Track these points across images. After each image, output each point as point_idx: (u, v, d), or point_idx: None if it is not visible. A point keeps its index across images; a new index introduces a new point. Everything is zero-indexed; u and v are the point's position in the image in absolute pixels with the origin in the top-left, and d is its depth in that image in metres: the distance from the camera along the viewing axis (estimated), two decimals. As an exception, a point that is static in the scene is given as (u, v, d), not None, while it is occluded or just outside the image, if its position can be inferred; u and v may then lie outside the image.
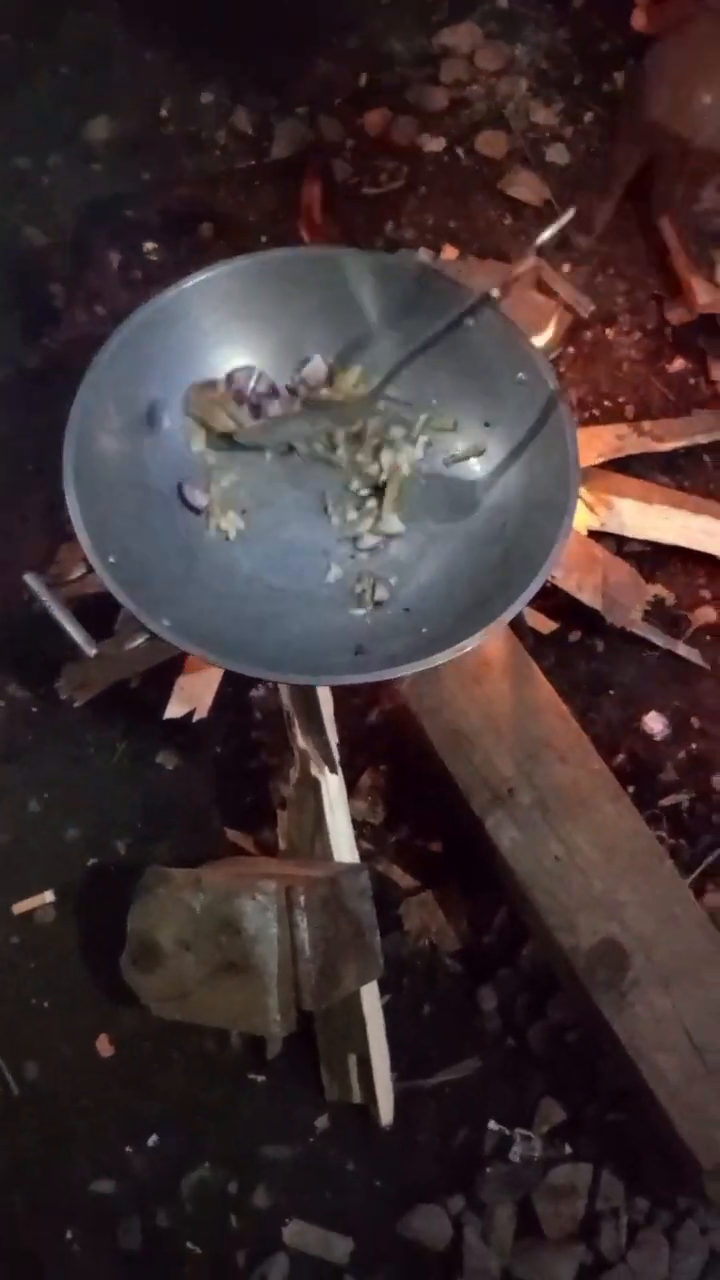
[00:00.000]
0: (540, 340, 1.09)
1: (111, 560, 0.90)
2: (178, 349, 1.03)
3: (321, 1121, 0.99)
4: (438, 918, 1.05)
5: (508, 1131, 0.98)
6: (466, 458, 1.06)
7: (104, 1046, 1.02)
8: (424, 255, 1.27)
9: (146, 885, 0.96)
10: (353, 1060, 0.97)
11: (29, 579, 0.87)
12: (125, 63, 1.49)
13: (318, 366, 1.06)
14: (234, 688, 1.08)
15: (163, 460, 1.03)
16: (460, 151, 1.38)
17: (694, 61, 1.05)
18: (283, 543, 1.04)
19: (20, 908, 1.06)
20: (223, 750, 1.11)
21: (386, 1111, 0.97)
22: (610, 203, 0.89)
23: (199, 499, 1.03)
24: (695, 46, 1.06)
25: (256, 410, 1.05)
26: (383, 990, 0.99)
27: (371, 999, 0.97)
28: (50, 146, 1.42)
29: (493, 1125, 0.98)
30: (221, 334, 1.05)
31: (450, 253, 1.29)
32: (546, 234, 0.92)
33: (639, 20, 1.41)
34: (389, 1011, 0.99)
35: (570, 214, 0.96)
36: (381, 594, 1.01)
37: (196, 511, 1.03)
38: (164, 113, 1.44)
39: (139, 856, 1.07)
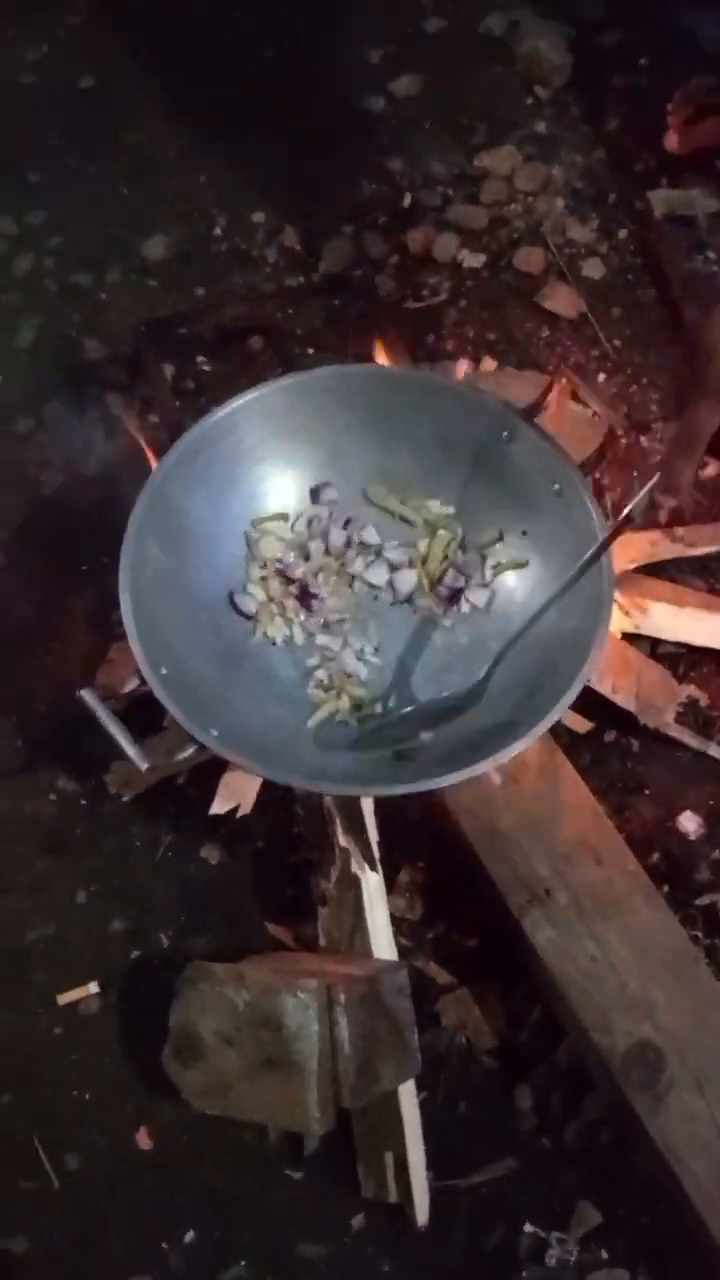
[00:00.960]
0: (577, 453, 1.13)
1: (164, 672, 0.94)
2: (227, 463, 1.07)
3: (357, 1220, 1.00)
4: (474, 1014, 1.06)
5: (543, 1234, 0.98)
6: (510, 568, 1.09)
7: (143, 1139, 1.04)
8: (465, 366, 1.33)
9: (190, 980, 0.98)
10: (389, 1159, 0.98)
11: (85, 695, 0.91)
12: (179, 180, 1.57)
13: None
14: (277, 786, 1.11)
15: (212, 568, 1.07)
16: (499, 267, 1.44)
17: None
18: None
19: (65, 998, 1.09)
20: (265, 845, 1.14)
21: (422, 1211, 0.98)
22: (693, 464, 0.88)
23: (249, 605, 1.07)
24: None
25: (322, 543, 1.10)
26: (419, 1087, 1.00)
27: (409, 1097, 0.98)
28: (108, 262, 1.50)
29: (528, 1228, 0.98)
30: (266, 449, 1.09)
31: (489, 364, 1.35)
32: (635, 500, 0.93)
33: (671, 142, 1.48)
34: (425, 1108, 1.00)
35: (655, 479, 0.97)
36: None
37: (246, 617, 1.07)
38: (217, 230, 1.52)
39: (181, 949, 1.10)
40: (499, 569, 1.09)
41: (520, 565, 1.08)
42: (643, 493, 0.93)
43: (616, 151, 1.53)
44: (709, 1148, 0.91)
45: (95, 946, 1.11)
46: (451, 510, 1.11)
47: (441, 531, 1.10)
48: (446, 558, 1.10)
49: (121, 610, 0.96)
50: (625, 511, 0.92)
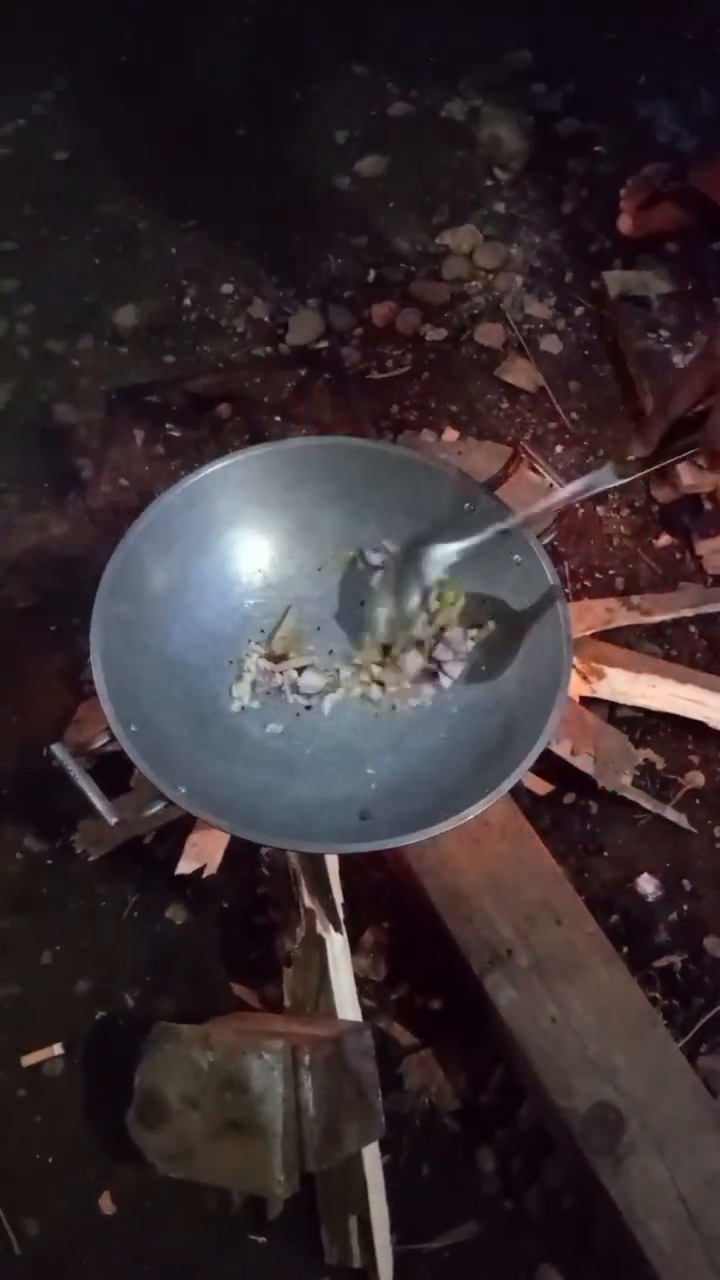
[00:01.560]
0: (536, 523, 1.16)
1: (133, 729, 0.95)
2: (196, 530, 1.10)
3: (321, 1286, 1.00)
4: (437, 1076, 1.07)
5: (506, 1299, 0.98)
6: (473, 628, 1.12)
7: (106, 1204, 1.03)
8: (427, 437, 1.37)
9: (155, 1040, 0.98)
10: (353, 1223, 0.98)
11: (56, 750, 0.92)
12: (151, 251, 1.62)
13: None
14: (243, 846, 1.12)
15: (184, 631, 1.09)
16: (460, 341, 1.49)
17: None
18: (293, 709, 1.10)
19: (29, 1060, 1.08)
20: (230, 906, 1.15)
21: (386, 1277, 0.98)
22: (664, 424, 0.92)
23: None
24: None
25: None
26: (383, 1150, 1.01)
27: (373, 1160, 0.99)
28: (81, 330, 1.53)
29: (491, 1292, 0.99)
30: (236, 515, 1.12)
31: (451, 434, 1.39)
32: (600, 488, 0.97)
33: (625, 225, 1.55)
34: (389, 1171, 1.00)
35: (612, 483, 1.01)
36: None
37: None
38: (187, 300, 1.56)
39: (147, 1009, 1.10)
40: (478, 640, 1.11)
41: (479, 626, 1.11)
42: (602, 488, 0.97)
43: (573, 233, 1.60)
44: (669, 1210, 0.92)
45: (60, 1007, 1.11)
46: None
47: (449, 593, 1.12)
48: (443, 628, 1.12)
49: (92, 668, 0.97)
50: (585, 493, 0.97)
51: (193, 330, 1.53)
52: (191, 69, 1.79)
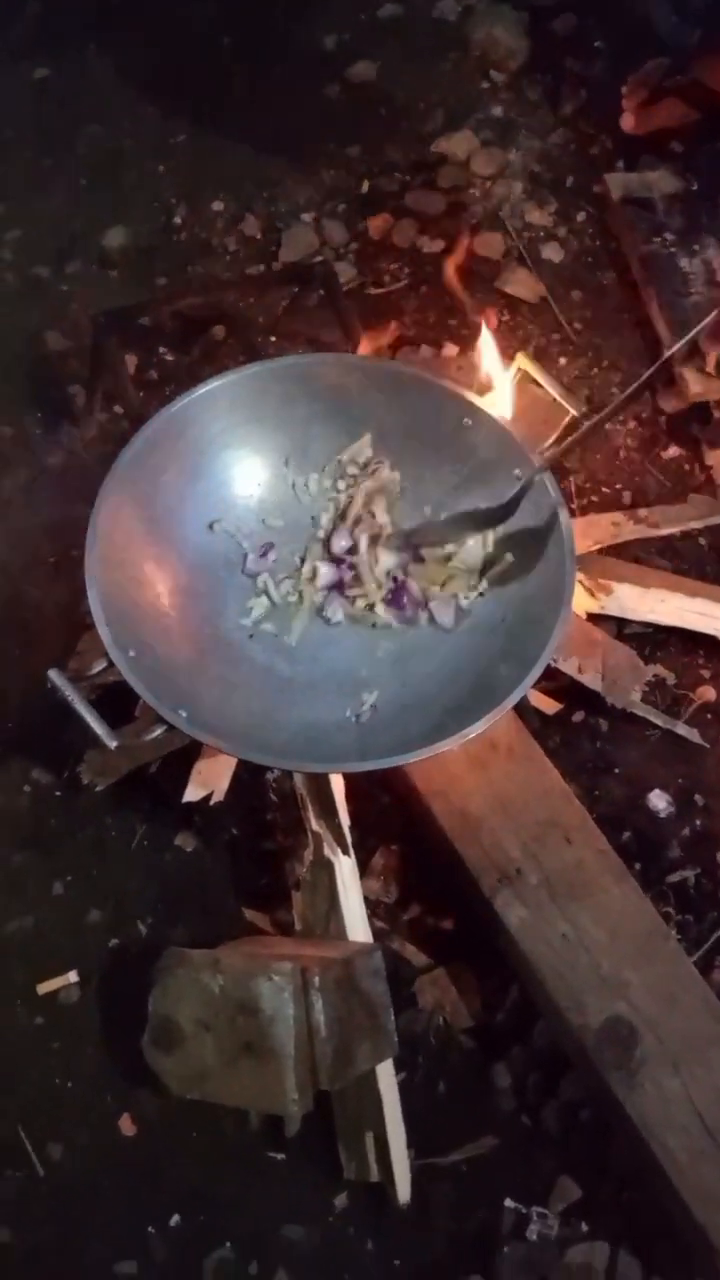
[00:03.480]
0: (539, 437, 1.13)
1: (131, 654, 0.94)
2: (191, 451, 1.08)
3: (340, 1200, 1.01)
4: (451, 995, 1.07)
5: (524, 1210, 0.99)
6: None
7: (126, 1127, 1.04)
8: (425, 352, 1.34)
9: (166, 966, 0.99)
10: (370, 1139, 0.99)
11: (53, 675, 0.91)
12: (138, 173, 1.57)
13: (362, 448, 1.12)
14: (249, 772, 1.12)
15: (180, 555, 1.07)
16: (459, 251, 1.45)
17: None
18: (295, 633, 1.09)
19: (44, 988, 1.09)
20: (239, 833, 1.14)
21: (404, 1190, 0.99)
22: None
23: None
24: None
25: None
26: (398, 1068, 1.01)
27: (387, 1078, 0.99)
28: (68, 255, 1.50)
29: (509, 1203, 0.99)
30: (231, 437, 1.10)
31: (450, 349, 1.35)
32: (684, 341, 0.94)
33: (628, 123, 1.50)
34: (404, 1089, 1.01)
35: (709, 320, 0.97)
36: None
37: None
38: (176, 220, 1.52)
39: (159, 937, 1.10)
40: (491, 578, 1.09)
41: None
42: (693, 334, 0.94)
43: (573, 135, 1.54)
44: (683, 1122, 0.92)
45: (73, 937, 1.12)
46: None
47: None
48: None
49: (88, 596, 0.96)
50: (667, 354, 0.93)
51: (183, 250, 1.50)
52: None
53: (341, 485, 1.12)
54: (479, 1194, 1.01)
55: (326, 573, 1.09)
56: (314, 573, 1.10)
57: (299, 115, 1.58)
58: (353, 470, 1.12)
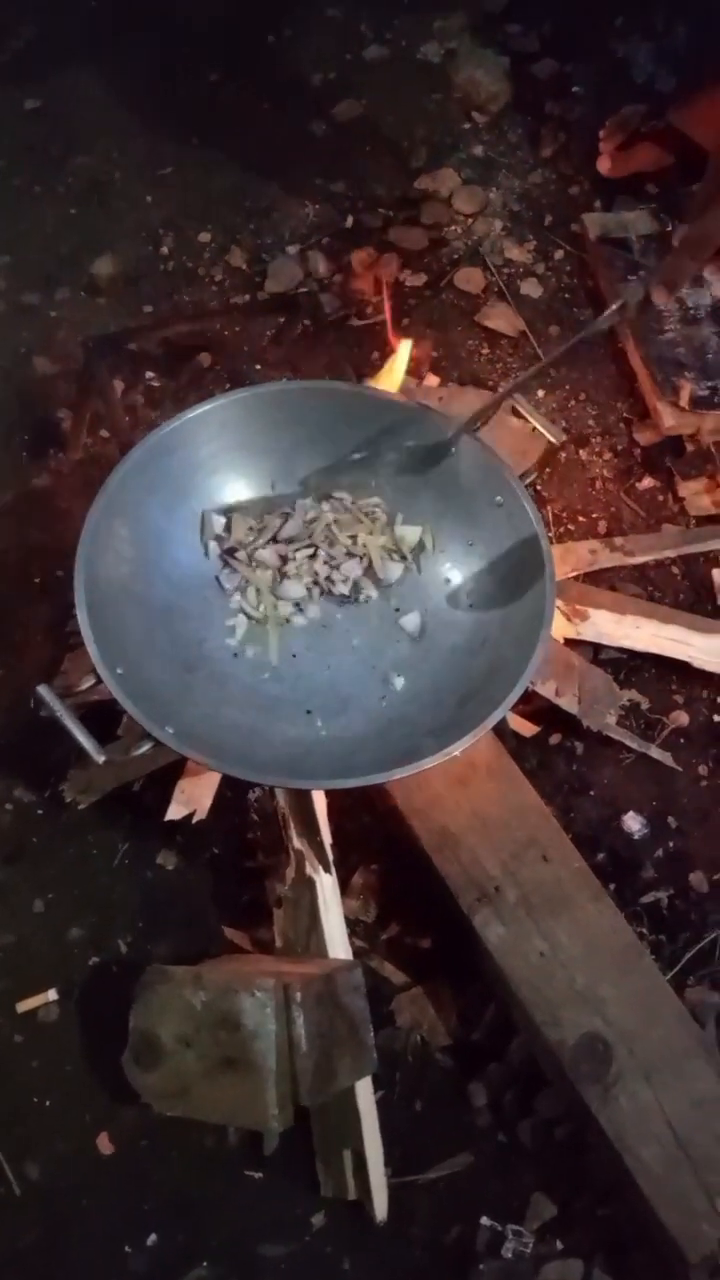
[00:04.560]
0: (518, 465, 1.16)
1: (119, 672, 0.96)
2: (178, 475, 1.10)
3: (318, 1218, 1.01)
4: (429, 1013, 1.08)
5: (500, 1227, 1.00)
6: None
7: (104, 1144, 1.04)
8: (408, 384, 1.36)
9: (148, 983, 0.99)
10: (348, 1156, 0.99)
11: (42, 690, 0.92)
12: (126, 203, 1.60)
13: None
14: (232, 791, 1.13)
15: (166, 576, 1.09)
16: (440, 286, 1.48)
17: None
18: (282, 655, 1.11)
19: (24, 1006, 1.09)
20: (221, 851, 1.15)
21: (381, 1207, 0.99)
22: (696, 267, 0.91)
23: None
24: None
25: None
26: (376, 1085, 1.02)
27: (365, 1094, 1.00)
28: (58, 281, 1.52)
29: (485, 1221, 1.00)
30: (218, 462, 1.12)
31: (432, 380, 1.38)
32: (601, 321, 0.96)
33: (604, 165, 1.54)
34: (383, 1107, 1.02)
35: (619, 305, 1.00)
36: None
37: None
38: (164, 250, 1.54)
39: (140, 954, 1.11)
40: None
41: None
42: (609, 312, 0.96)
43: (553, 175, 1.58)
44: (657, 1134, 0.93)
45: (54, 954, 1.12)
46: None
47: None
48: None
49: (77, 613, 0.97)
50: (592, 328, 0.97)
51: (171, 279, 1.52)
52: (162, 15, 1.76)
53: (325, 507, 1.14)
54: (455, 1211, 1.01)
55: (266, 556, 1.12)
56: (275, 579, 1.12)
57: (286, 150, 1.62)
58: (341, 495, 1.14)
